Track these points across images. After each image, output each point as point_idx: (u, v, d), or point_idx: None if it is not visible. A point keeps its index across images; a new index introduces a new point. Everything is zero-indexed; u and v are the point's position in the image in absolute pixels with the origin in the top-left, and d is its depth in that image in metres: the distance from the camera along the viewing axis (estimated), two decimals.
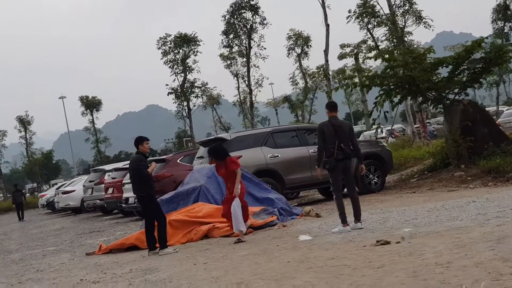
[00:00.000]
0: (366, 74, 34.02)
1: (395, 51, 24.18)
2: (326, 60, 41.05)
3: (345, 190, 11.65)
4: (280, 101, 76.92)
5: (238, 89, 67.95)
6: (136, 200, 18.82)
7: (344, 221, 10.93)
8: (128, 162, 24.59)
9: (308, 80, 65.05)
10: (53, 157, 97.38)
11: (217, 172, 12.59)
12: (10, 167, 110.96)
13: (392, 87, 20.56)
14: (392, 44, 38.41)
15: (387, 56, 21.82)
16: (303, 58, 63.45)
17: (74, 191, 33.10)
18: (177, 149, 73.65)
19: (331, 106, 11.52)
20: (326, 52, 39.99)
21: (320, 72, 60.03)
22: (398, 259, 7.66)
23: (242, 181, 12.23)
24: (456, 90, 20.25)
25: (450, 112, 19.37)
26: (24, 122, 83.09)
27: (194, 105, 59.90)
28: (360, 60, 52.85)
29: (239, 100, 69.34)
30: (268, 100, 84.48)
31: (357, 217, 11.01)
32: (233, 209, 11.69)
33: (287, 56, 63.22)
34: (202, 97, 63.53)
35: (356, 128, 53.92)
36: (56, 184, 56.44)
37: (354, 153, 11.17)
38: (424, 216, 11.21)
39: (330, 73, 52.42)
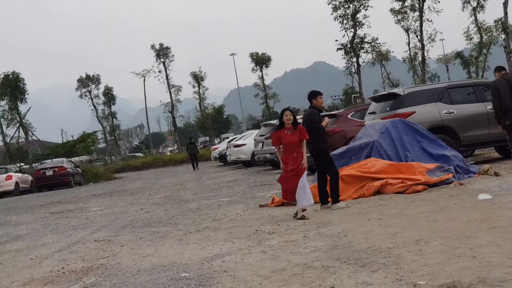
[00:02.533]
0: None
1: None
2: (505, 13, 39.13)
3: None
4: (452, 57, 74.13)
5: (409, 45, 66.45)
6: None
7: None
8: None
9: (483, 34, 61.99)
10: (224, 112, 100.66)
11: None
12: (184, 121, 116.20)
13: None
14: None
15: None
16: (478, 11, 60.51)
17: (245, 145, 34.04)
18: (344, 106, 73.52)
19: (498, 68, 11.03)
20: (505, 4, 38.10)
21: (498, 25, 57.08)
22: None
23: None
24: None
25: None
26: (197, 78, 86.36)
27: (363, 61, 58.99)
28: None
29: (409, 56, 67.68)
30: (439, 56, 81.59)
31: None
32: (301, 183, 10.81)
33: (462, 9, 60.58)
34: (372, 53, 62.36)
35: None
36: (227, 138, 58.34)
37: None
38: None
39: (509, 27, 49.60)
